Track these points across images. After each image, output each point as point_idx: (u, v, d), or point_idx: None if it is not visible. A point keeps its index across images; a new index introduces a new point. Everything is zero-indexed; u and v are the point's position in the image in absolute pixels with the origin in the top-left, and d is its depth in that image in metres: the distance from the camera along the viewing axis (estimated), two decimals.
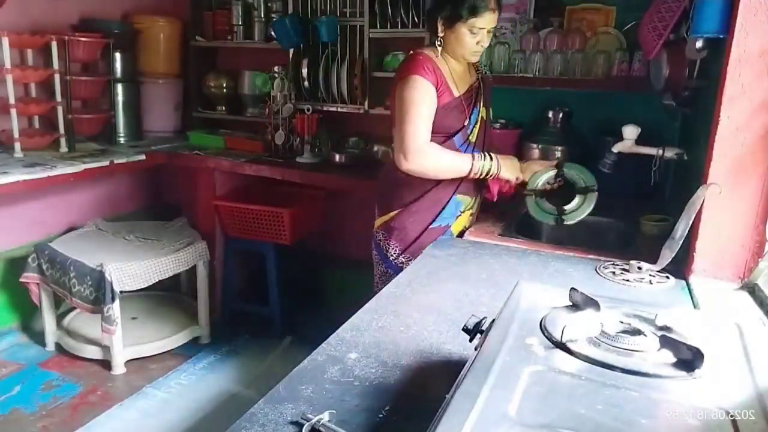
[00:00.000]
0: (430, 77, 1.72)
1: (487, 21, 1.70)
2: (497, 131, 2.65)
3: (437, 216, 1.85)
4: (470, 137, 1.86)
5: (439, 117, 1.76)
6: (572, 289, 0.92)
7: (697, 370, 0.72)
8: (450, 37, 1.75)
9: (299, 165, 2.88)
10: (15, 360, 2.69)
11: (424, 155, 1.72)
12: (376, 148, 3.01)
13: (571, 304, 0.92)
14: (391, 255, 1.88)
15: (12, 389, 2.48)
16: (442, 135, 1.80)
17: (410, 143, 1.71)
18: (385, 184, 1.94)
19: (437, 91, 1.74)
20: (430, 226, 1.84)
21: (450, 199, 1.85)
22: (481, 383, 0.68)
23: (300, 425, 0.81)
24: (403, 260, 1.84)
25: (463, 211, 1.89)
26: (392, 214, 1.87)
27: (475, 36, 1.72)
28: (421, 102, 1.72)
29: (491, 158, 1.80)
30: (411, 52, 1.80)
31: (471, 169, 1.76)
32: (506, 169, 1.82)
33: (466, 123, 1.83)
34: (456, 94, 1.80)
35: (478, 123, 1.89)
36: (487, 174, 1.79)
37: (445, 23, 1.74)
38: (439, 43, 1.77)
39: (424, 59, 1.75)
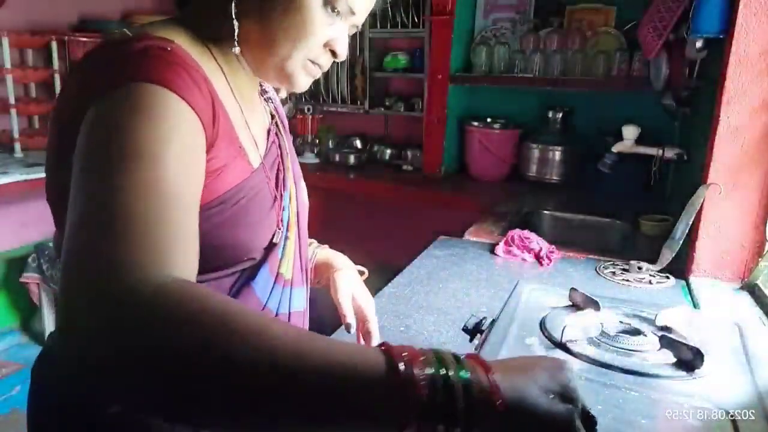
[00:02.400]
0: (199, 96, 0.58)
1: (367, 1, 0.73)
2: (497, 131, 2.66)
3: None
4: (281, 266, 0.75)
5: (217, 222, 0.63)
6: (572, 289, 0.92)
7: (697, 370, 0.72)
8: (269, 12, 0.66)
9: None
10: (15, 360, 2.68)
11: (169, 311, 0.41)
12: (376, 148, 3.02)
13: (571, 304, 0.92)
14: None
15: (12, 389, 2.48)
16: (223, 270, 0.68)
17: (126, 268, 0.43)
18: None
19: (211, 144, 0.61)
20: None
21: None
22: None
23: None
24: None
25: None
26: None
27: (331, 22, 0.70)
28: (182, 153, 0.54)
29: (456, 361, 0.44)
30: (127, 32, 0.61)
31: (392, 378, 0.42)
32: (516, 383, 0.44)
33: (278, 229, 0.74)
34: (253, 157, 0.71)
35: (294, 218, 0.79)
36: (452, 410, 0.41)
37: None
38: (235, 20, 0.66)
39: (178, 55, 0.59)
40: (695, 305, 1.31)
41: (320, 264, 0.97)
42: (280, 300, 0.75)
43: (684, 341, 0.75)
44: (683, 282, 1.44)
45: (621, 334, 0.80)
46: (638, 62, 2.36)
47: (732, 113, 1.34)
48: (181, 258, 0.48)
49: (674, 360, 0.74)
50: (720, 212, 1.40)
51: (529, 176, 2.58)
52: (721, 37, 1.40)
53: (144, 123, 0.52)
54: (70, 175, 0.52)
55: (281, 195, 0.75)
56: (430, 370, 0.42)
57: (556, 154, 2.52)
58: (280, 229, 0.73)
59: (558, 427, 0.43)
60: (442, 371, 0.42)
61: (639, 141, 1.95)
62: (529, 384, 0.44)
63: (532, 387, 0.44)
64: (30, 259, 2.68)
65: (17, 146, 2.64)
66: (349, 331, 0.90)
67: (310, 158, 2.97)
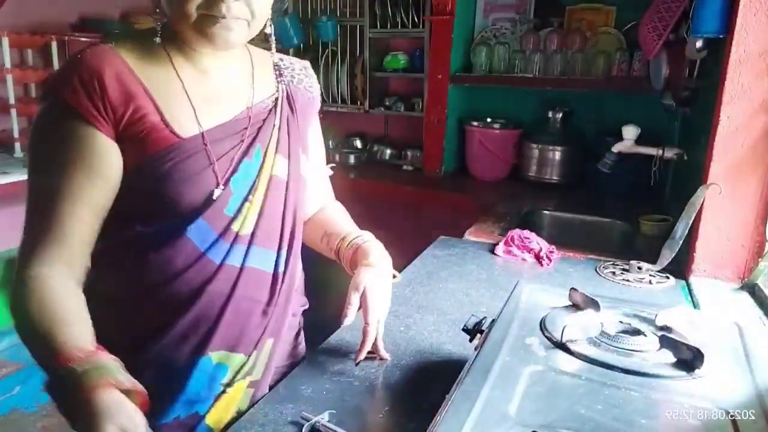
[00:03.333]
0: (89, 104, 0.77)
1: None
2: (497, 131, 2.66)
3: (173, 403, 0.86)
4: (234, 224, 0.87)
5: (153, 178, 0.81)
6: (572, 289, 0.92)
7: (697, 370, 0.71)
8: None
9: None
10: (15, 360, 2.68)
11: (29, 287, 0.80)
12: (376, 148, 3.02)
13: (571, 304, 0.92)
14: None
15: (12, 389, 2.48)
16: (166, 219, 0.83)
17: (27, 253, 0.86)
18: None
19: (121, 120, 0.79)
20: (157, 424, 0.84)
21: (194, 362, 0.86)
22: (481, 383, 0.68)
23: (300, 425, 0.81)
24: None
25: (231, 382, 0.89)
26: None
27: None
28: (77, 168, 0.79)
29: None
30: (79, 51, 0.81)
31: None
32: None
33: (214, 189, 0.84)
34: (182, 129, 0.83)
35: (259, 191, 0.89)
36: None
37: None
38: (156, 14, 0.83)
39: (88, 62, 0.78)
40: (695, 305, 1.31)
41: (359, 254, 0.98)
42: (229, 253, 0.86)
43: (684, 341, 0.75)
44: (683, 282, 1.44)
45: (621, 334, 0.79)
46: (638, 62, 2.36)
47: (732, 113, 1.34)
48: (55, 249, 0.83)
49: (674, 360, 0.74)
50: (720, 212, 1.40)
51: (529, 176, 2.58)
52: (721, 37, 1.40)
53: (42, 140, 0.81)
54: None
55: (238, 158, 0.87)
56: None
57: (556, 154, 2.52)
58: (218, 188, 0.84)
59: None
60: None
61: (639, 141, 1.95)
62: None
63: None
64: None
65: (17, 146, 2.65)
66: (342, 323, 0.94)
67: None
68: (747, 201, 1.37)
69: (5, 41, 2.54)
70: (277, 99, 0.95)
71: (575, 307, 0.91)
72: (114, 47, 0.81)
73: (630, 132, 1.95)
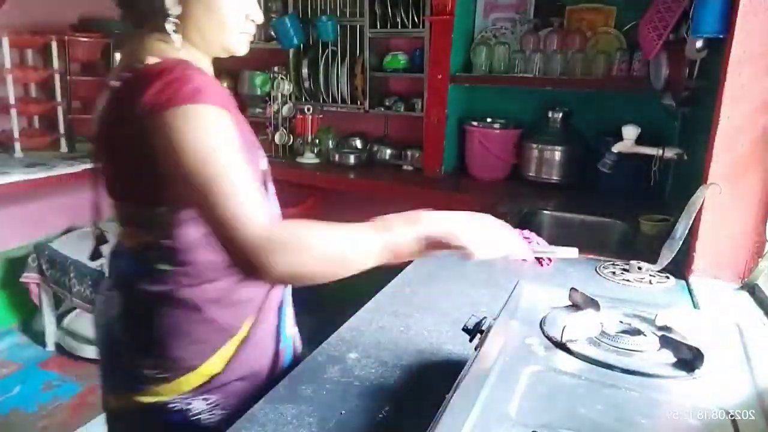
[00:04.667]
0: (227, 99, 0.91)
1: None
2: (497, 131, 2.66)
3: (279, 336, 1.06)
4: (268, 182, 1.07)
5: None
6: (572, 289, 0.92)
7: (697, 370, 0.72)
8: (194, 12, 0.92)
9: (299, 165, 2.88)
10: (15, 360, 2.69)
11: (289, 243, 0.79)
12: (376, 148, 3.02)
13: (571, 304, 0.92)
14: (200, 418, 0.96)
15: (12, 389, 2.48)
16: None
17: (255, 227, 0.79)
18: (171, 316, 0.95)
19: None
20: (279, 349, 1.05)
21: (280, 304, 1.07)
22: (481, 383, 0.68)
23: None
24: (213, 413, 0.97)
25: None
26: (213, 361, 0.96)
27: (239, 2, 0.95)
28: (231, 148, 0.84)
29: (402, 219, 0.87)
30: (143, 57, 0.90)
31: (385, 244, 0.84)
32: (454, 226, 0.88)
33: (262, 158, 1.05)
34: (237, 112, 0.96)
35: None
36: (414, 248, 0.86)
37: None
38: (173, 27, 0.92)
39: (193, 72, 0.87)
40: (695, 305, 1.31)
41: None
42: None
43: (684, 341, 0.75)
44: (683, 282, 1.44)
45: (621, 334, 0.79)
46: (638, 62, 2.36)
47: (732, 113, 1.34)
48: (263, 202, 0.84)
49: (674, 360, 0.74)
50: (720, 212, 1.40)
51: (529, 176, 2.58)
52: (721, 37, 1.40)
53: (205, 132, 0.82)
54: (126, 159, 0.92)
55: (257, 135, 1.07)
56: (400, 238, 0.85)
57: (556, 154, 2.52)
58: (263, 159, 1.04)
59: None
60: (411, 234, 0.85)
61: (639, 141, 1.95)
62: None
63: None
64: (30, 259, 2.68)
65: (17, 146, 2.65)
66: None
67: (310, 158, 2.97)
68: (747, 201, 1.37)
69: (5, 41, 2.54)
70: None
71: (575, 307, 0.91)
72: (173, 58, 0.91)
73: (630, 132, 1.95)
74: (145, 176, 0.88)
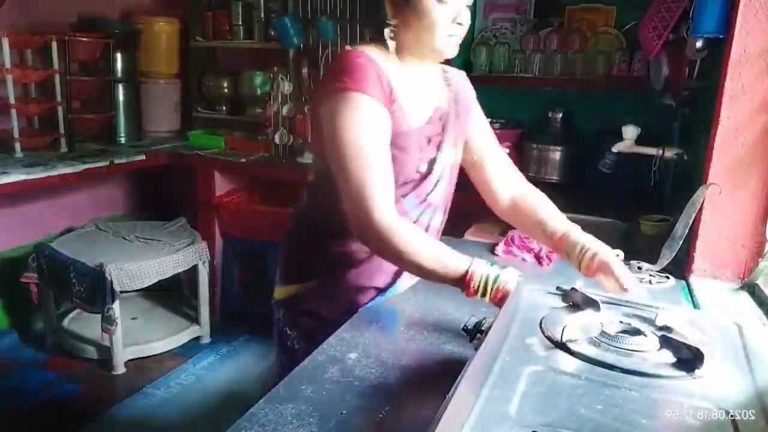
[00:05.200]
0: (378, 93, 1.07)
1: None
2: (497, 131, 2.65)
3: (387, 287, 1.27)
4: (430, 196, 1.22)
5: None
6: (572, 288, 0.92)
7: (697, 370, 0.72)
8: (409, 18, 1.09)
9: (299, 165, 2.88)
10: (15, 360, 2.69)
11: (396, 233, 1.04)
12: None
13: (571, 304, 0.92)
14: (293, 345, 1.26)
15: (12, 389, 2.48)
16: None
17: (376, 211, 1.03)
18: (296, 235, 1.31)
19: (389, 108, 1.10)
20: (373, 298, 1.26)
21: (400, 274, 1.29)
22: (481, 383, 0.68)
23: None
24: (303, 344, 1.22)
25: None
26: (309, 285, 1.26)
27: (447, 8, 1.07)
28: (374, 139, 1.06)
29: (492, 269, 1.06)
30: (346, 48, 1.14)
31: (465, 275, 1.04)
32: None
33: (424, 171, 1.19)
34: (412, 122, 1.15)
35: (445, 172, 1.24)
36: (484, 291, 1.05)
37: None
38: (390, 35, 1.12)
39: (367, 62, 1.08)
40: (695, 305, 1.31)
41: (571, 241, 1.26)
42: (422, 215, 1.23)
43: (684, 341, 0.75)
44: (683, 282, 1.44)
45: (621, 334, 0.79)
46: (638, 62, 2.36)
47: (732, 113, 1.34)
48: (389, 193, 1.05)
49: (674, 360, 0.74)
50: (720, 212, 1.40)
51: (529, 176, 2.55)
52: (721, 37, 1.40)
53: (353, 121, 1.04)
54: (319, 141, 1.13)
55: (437, 148, 1.20)
56: (478, 279, 1.04)
57: (556, 154, 2.52)
58: (421, 171, 1.18)
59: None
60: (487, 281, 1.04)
61: (639, 141, 1.95)
62: None
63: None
64: (30, 259, 2.68)
65: (17, 146, 2.65)
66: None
67: (311, 158, 2.97)
68: (747, 201, 1.37)
69: (5, 41, 2.54)
70: (449, 102, 1.25)
71: (575, 307, 0.91)
72: (371, 55, 1.09)
73: (630, 132, 1.95)
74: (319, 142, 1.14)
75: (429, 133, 1.19)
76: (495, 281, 1.02)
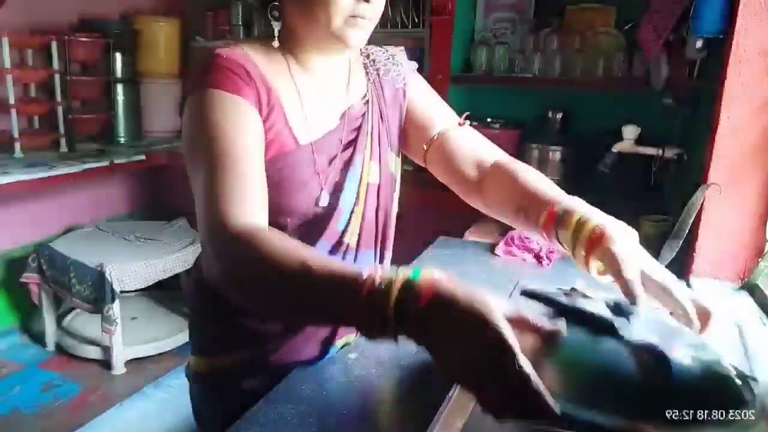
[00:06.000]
0: (246, 89, 0.81)
1: None
2: (497, 131, 2.66)
3: (318, 359, 0.99)
4: (345, 237, 0.94)
5: (268, 181, 0.82)
6: (572, 288, 0.92)
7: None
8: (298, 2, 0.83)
9: None
10: (15, 360, 2.69)
11: (252, 238, 0.69)
12: None
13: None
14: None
15: (12, 389, 2.48)
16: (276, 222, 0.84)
17: (217, 216, 0.73)
18: (208, 308, 0.99)
19: (264, 118, 0.84)
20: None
21: (326, 353, 1.00)
22: None
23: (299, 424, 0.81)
24: None
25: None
26: (229, 359, 0.98)
27: None
28: (238, 133, 0.79)
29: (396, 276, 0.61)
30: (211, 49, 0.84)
31: (364, 275, 0.61)
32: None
33: (326, 204, 0.90)
34: (301, 138, 0.88)
35: (362, 200, 0.95)
36: (382, 319, 0.60)
37: None
38: (276, 22, 0.86)
39: (229, 57, 0.82)
40: None
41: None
42: (343, 260, 0.93)
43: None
44: (683, 282, 1.44)
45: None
46: (638, 62, 2.36)
47: (732, 113, 1.34)
48: (248, 204, 0.74)
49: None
50: (720, 212, 1.40)
51: None
52: (721, 37, 1.40)
53: (208, 116, 0.78)
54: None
55: (344, 167, 0.92)
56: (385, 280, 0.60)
57: (556, 154, 2.51)
58: (321, 204, 0.90)
59: (474, 320, 0.54)
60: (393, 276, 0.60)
61: (639, 141, 1.95)
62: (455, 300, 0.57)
63: (457, 302, 0.57)
64: (30, 259, 2.68)
65: (17, 146, 2.65)
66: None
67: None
68: (747, 201, 1.37)
69: (5, 41, 2.54)
70: (367, 102, 0.97)
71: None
72: (244, 50, 0.85)
73: (630, 132, 1.95)
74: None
75: (329, 150, 0.91)
76: (415, 275, 0.60)
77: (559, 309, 0.71)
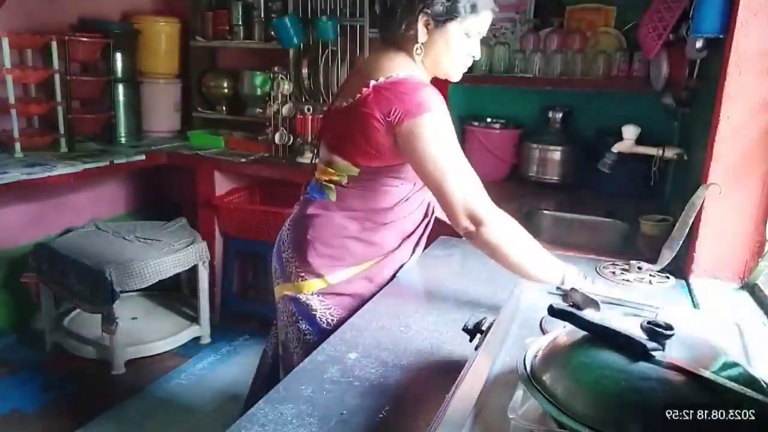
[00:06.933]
0: (443, 105, 1.22)
1: (485, 22, 1.30)
2: (497, 131, 2.66)
3: (395, 273, 1.40)
4: None
5: None
6: (572, 288, 0.92)
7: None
8: (435, 43, 1.24)
9: (299, 165, 2.88)
10: (15, 360, 2.68)
11: (503, 227, 1.19)
12: None
13: (571, 304, 0.92)
14: (325, 322, 1.32)
15: (12, 389, 2.48)
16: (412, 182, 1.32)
17: (480, 203, 1.18)
18: (326, 231, 1.32)
19: None
20: (386, 286, 1.39)
21: (407, 258, 1.42)
22: (481, 383, 0.68)
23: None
24: (332, 321, 1.32)
25: None
26: (338, 275, 1.32)
27: (470, 42, 1.27)
28: (455, 146, 1.21)
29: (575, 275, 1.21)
30: (399, 75, 1.21)
31: (556, 277, 1.20)
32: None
33: None
34: None
35: None
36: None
37: (430, 23, 1.23)
38: (418, 51, 1.25)
39: (427, 84, 1.23)
40: (695, 305, 1.31)
41: None
42: (419, 204, 1.40)
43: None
44: (683, 282, 1.44)
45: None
46: (638, 62, 2.36)
47: (732, 113, 1.34)
48: (481, 187, 1.20)
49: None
50: (720, 212, 1.40)
51: (529, 176, 2.58)
52: (721, 37, 1.40)
53: (443, 130, 1.18)
54: (369, 149, 1.22)
55: None
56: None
57: (556, 154, 2.52)
58: None
59: None
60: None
61: (639, 141, 1.95)
62: None
63: None
64: (30, 259, 2.68)
65: (17, 146, 2.64)
66: None
67: (310, 158, 2.97)
68: (747, 201, 1.37)
69: (5, 41, 2.54)
70: None
71: (575, 307, 0.91)
72: (415, 75, 1.23)
73: (630, 132, 1.95)
74: (369, 151, 1.22)
75: None
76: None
77: (589, 329, 0.70)
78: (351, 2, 2.91)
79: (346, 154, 1.27)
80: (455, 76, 1.30)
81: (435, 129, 1.15)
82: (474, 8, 1.23)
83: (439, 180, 1.16)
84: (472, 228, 1.16)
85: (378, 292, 1.33)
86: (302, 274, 1.32)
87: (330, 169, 1.31)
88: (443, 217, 1.30)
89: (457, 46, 1.25)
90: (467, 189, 1.16)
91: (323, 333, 1.26)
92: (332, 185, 1.31)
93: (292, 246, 1.35)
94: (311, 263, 1.30)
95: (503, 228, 1.17)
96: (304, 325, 1.32)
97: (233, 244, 3.06)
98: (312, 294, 1.31)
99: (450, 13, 1.21)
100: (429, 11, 1.21)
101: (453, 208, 1.16)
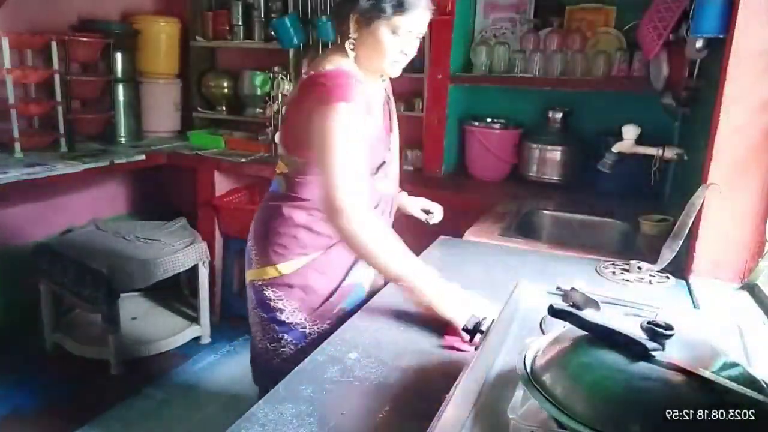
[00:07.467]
0: (359, 100, 1.24)
1: (416, 22, 1.27)
2: (497, 131, 2.66)
3: (350, 270, 1.39)
4: (389, 174, 1.45)
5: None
6: (572, 288, 0.92)
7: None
8: (365, 39, 1.29)
9: None
10: (15, 360, 2.68)
11: (364, 220, 1.19)
12: None
13: (571, 304, 0.92)
14: (289, 318, 1.37)
15: (12, 389, 2.48)
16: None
17: (348, 193, 1.17)
18: (276, 221, 1.38)
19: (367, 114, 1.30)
20: (342, 284, 1.38)
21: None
22: (481, 383, 0.68)
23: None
24: (308, 326, 1.37)
25: None
26: (288, 265, 1.36)
27: (398, 40, 1.27)
28: (353, 140, 1.22)
29: (433, 285, 1.19)
30: (326, 68, 1.28)
31: (409, 279, 1.17)
32: (446, 307, 1.14)
33: (387, 155, 1.42)
34: (376, 117, 1.36)
35: (396, 153, 1.49)
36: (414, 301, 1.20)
37: (359, 20, 1.27)
38: (351, 46, 1.30)
39: (348, 76, 1.26)
40: (695, 305, 1.31)
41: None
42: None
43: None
44: (683, 282, 1.44)
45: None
46: (638, 62, 2.36)
47: (732, 113, 1.34)
48: (362, 183, 1.23)
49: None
50: (720, 212, 1.40)
51: (529, 176, 2.58)
52: (721, 37, 1.40)
53: (338, 123, 1.19)
54: (303, 141, 1.28)
55: (389, 134, 1.45)
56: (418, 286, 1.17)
57: (556, 154, 2.52)
58: (389, 153, 1.43)
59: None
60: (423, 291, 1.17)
61: (639, 141, 1.95)
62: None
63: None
64: (30, 259, 2.68)
65: (17, 146, 2.65)
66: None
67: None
68: (747, 201, 1.37)
69: (5, 41, 2.54)
70: (387, 95, 1.47)
71: (575, 307, 0.91)
72: (342, 66, 1.29)
73: (630, 132, 1.95)
74: (303, 142, 1.29)
75: (384, 120, 1.42)
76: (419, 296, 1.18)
77: (589, 329, 0.70)
78: None
79: (289, 146, 1.36)
80: (390, 72, 1.33)
81: (340, 119, 1.19)
82: (400, 7, 1.24)
83: (328, 163, 1.19)
84: (338, 212, 1.17)
85: (338, 287, 1.37)
86: (259, 262, 1.40)
87: (281, 162, 1.41)
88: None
89: (385, 44, 1.27)
90: (348, 179, 1.18)
91: (277, 322, 1.37)
92: (282, 176, 1.40)
93: (253, 235, 1.44)
94: (265, 251, 1.38)
95: (366, 221, 1.19)
96: (260, 312, 1.41)
97: (233, 244, 3.06)
98: (266, 281, 1.38)
99: (375, 11, 1.24)
100: (357, 8, 1.26)
101: (328, 190, 1.18)
